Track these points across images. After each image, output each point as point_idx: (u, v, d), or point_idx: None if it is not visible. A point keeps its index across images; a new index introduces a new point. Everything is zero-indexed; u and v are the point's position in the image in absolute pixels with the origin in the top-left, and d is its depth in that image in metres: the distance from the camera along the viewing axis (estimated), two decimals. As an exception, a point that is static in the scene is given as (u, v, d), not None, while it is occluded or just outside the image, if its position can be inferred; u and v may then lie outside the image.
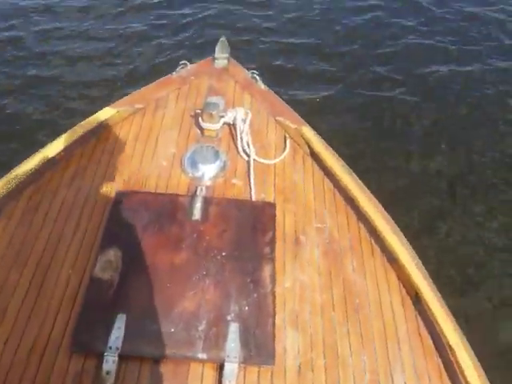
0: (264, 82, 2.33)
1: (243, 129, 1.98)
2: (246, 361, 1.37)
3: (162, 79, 2.31)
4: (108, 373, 1.31)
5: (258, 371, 1.38)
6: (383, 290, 1.61)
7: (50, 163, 1.86)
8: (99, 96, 3.67)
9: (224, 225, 1.70)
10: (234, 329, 1.42)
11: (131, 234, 1.65)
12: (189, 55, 3.37)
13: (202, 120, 1.98)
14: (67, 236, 1.67)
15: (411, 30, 4.70)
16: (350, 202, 1.85)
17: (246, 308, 1.47)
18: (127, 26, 4.65)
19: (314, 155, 2.01)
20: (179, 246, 1.62)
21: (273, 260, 1.61)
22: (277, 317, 1.48)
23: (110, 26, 4.65)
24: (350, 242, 1.74)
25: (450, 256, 2.80)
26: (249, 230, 1.69)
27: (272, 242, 1.66)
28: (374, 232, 1.74)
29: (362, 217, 1.79)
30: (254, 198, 1.83)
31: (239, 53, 3.06)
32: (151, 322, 1.42)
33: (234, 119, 2.01)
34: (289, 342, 1.45)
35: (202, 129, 2.03)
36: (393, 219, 1.85)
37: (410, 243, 1.77)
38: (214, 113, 1.95)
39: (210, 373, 1.36)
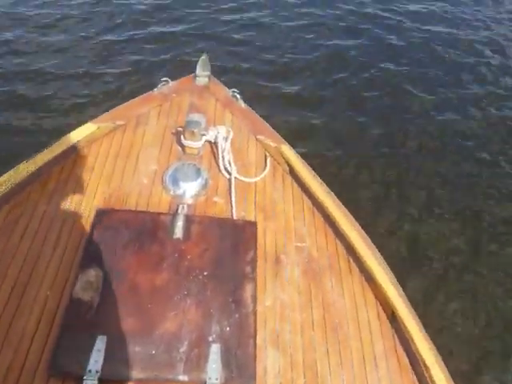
0: (244, 100, 2.37)
1: (225, 147, 2.00)
2: (228, 382, 1.37)
3: (143, 96, 2.31)
4: None
5: None
6: (361, 308, 1.65)
7: (29, 178, 1.84)
8: (79, 112, 3.63)
9: (205, 244, 1.71)
10: (215, 349, 1.43)
11: (112, 253, 1.64)
12: (170, 72, 3.38)
13: (184, 137, 1.99)
14: (46, 253, 1.65)
15: (398, 57, 4.84)
16: (328, 220, 1.89)
17: (228, 328, 1.48)
18: (109, 42, 4.64)
19: (294, 174, 2.05)
20: (160, 265, 1.62)
21: (254, 279, 1.63)
22: (258, 336, 1.50)
23: (90, 42, 4.63)
24: (328, 260, 1.78)
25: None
26: (230, 248, 1.71)
27: (253, 261, 1.68)
28: (351, 250, 1.79)
29: (340, 235, 1.84)
30: (235, 216, 1.85)
31: (220, 71, 3.09)
32: (132, 344, 1.41)
33: (216, 137, 2.03)
34: (269, 362, 1.46)
35: (183, 146, 2.03)
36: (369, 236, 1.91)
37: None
38: (195, 131, 1.96)
39: None
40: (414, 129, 3.99)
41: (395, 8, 5.66)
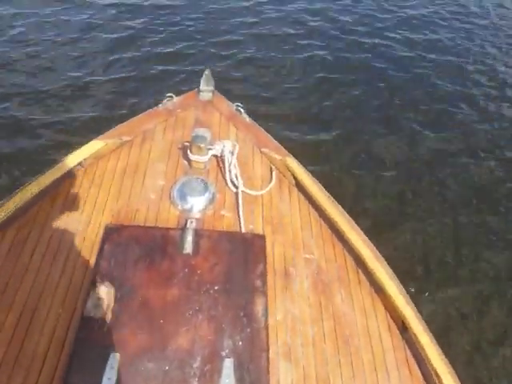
0: (248, 114, 2.40)
1: (231, 161, 2.02)
2: None
3: (148, 111, 2.34)
4: None
5: None
6: (371, 320, 1.66)
7: (37, 196, 1.85)
8: (85, 128, 3.65)
9: (215, 258, 1.72)
10: (228, 364, 1.43)
11: (122, 269, 1.64)
12: (174, 87, 3.41)
13: (191, 152, 2.01)
14: (56, 272, 1.65)
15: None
16: (336, 231, 1.90)
17: (240, 343, 1.49)
18: (112, 58, 4.68)
19: (300, 186, 2.07)
20: (171, 280, 1.63)
21: (264, 293, 1.64)
22: (270, 350, 1.50)
23: (93, 57, 4.68)
24: (337, 272, 1.79)
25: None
26: (240, 262, 1.72)
27: (263, 275, 1.69)
28: (359, 262, 1.80)
29: (348, 247, 1.85)
30: (243, 230, 1.87)
31: (224, 86, 3.12)
32: (145, 361, 1.42)
33: (222, 151, 2.05)
34: (282, 375, 1.47)
35: (190, 161, 2.05)
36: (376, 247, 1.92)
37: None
38: (202, 145, 1.98)
39: None
40: (421, 139, 4.05)
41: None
